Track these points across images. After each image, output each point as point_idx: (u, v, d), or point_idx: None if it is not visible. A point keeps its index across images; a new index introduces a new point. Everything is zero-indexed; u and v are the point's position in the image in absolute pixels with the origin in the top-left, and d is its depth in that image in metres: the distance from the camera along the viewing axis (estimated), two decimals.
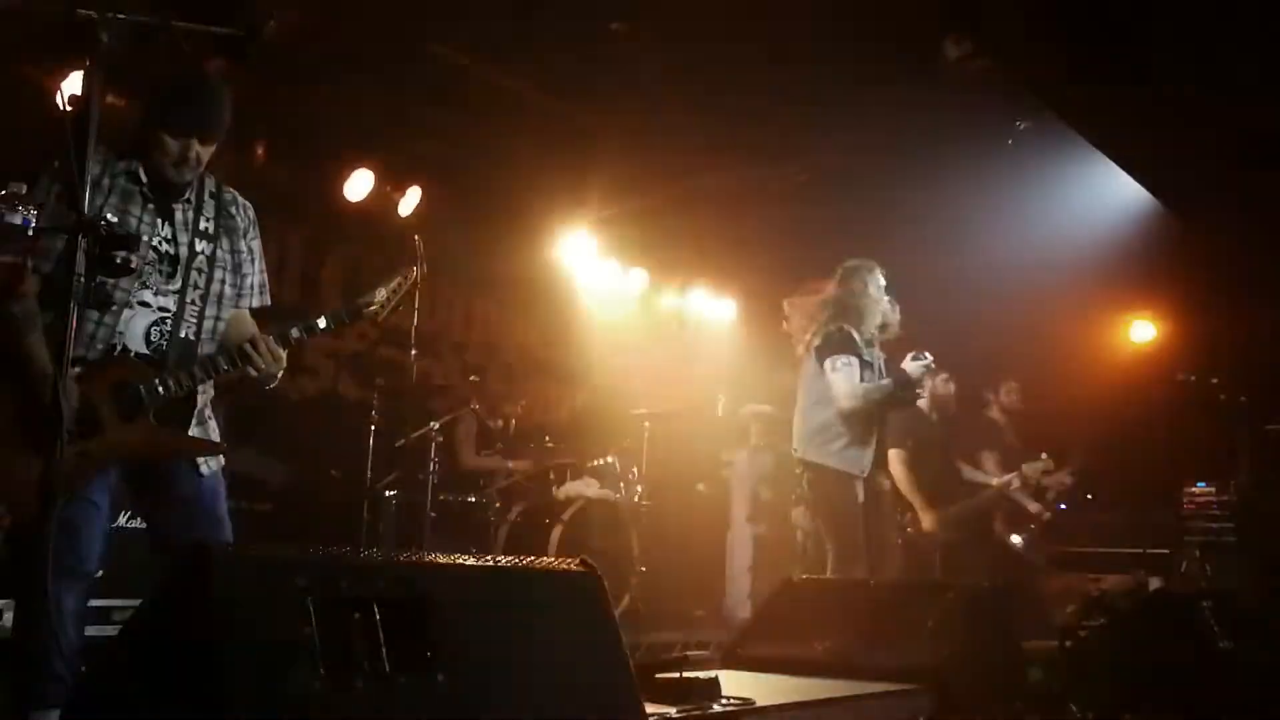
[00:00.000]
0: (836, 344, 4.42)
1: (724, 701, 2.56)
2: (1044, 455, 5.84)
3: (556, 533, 5.65)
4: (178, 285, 2.77)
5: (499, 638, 2.02)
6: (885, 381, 4.45)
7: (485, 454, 6.36)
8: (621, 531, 6.07)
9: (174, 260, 2.79)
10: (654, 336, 8.00)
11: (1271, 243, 6.31)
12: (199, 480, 2.83)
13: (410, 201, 6.47)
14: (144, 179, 2.77)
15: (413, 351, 5.65)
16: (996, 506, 6.12)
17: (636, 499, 6.41)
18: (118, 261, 2.37)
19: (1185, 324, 7.50)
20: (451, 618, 1.93)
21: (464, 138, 6.50)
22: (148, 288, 2.72)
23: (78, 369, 2.57)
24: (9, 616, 3.77)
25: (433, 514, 5.48)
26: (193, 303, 2.79)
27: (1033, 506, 6.27)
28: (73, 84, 4.48)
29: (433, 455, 5.59)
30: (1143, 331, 7.77)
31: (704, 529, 7.05)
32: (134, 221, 2.72)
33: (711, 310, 8.20)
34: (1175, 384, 6.45)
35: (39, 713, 2.50)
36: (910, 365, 4.38)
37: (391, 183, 6.39)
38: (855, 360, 4.38)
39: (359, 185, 6.25)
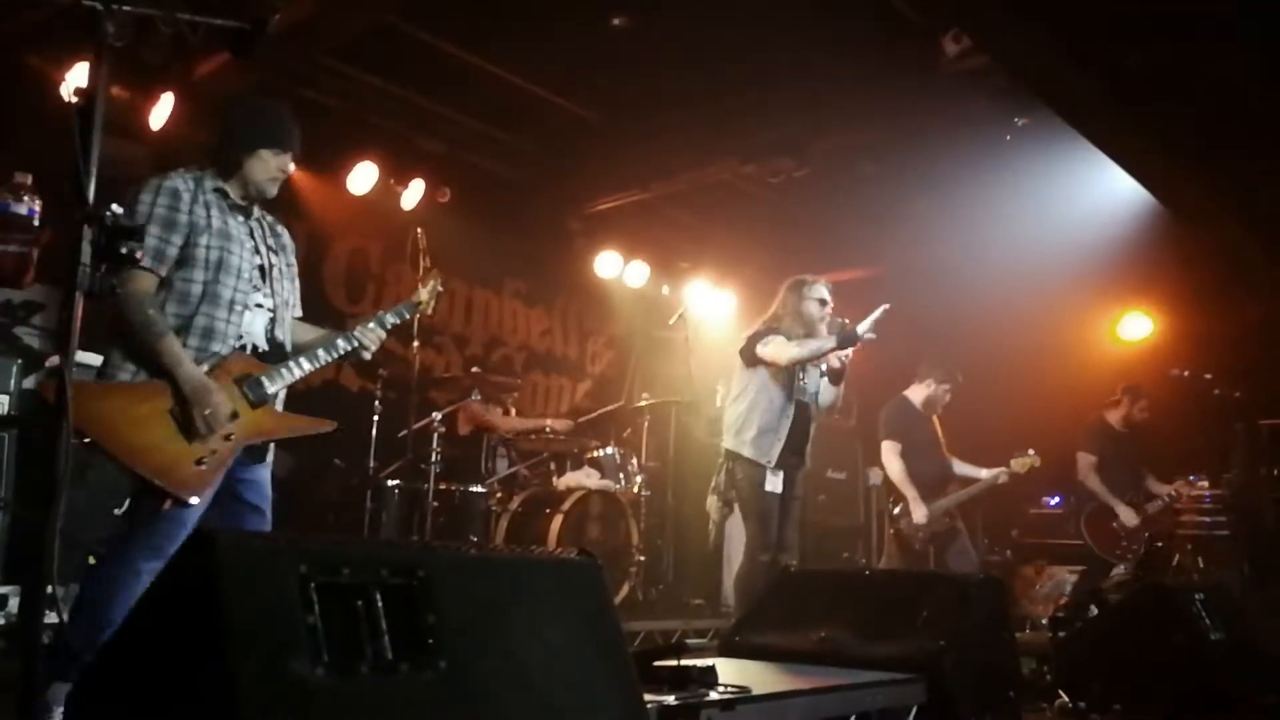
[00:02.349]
0: (760, 334, 4.88)
1: (721, 689, 2.59)
2: (1031, 451, 5.86)
3: (556, 522, 5.70)
4: (269, 293, 3.11)
5: (499, 625, 2.04)
6: (829, 337, 4.76)
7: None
8: (621, 521, 6.11)
9: (263, 270, 3.11)
10: (654, 328, 8.03)
11: (1266, 238, 6.34)
12: (265, 470, 3.13)
13: (413, 195, 6.50)
14: (230, 196, 3.07)
15: (414, 343, 5.69)
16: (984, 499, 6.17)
17: (636, 489, 6.45)
18: (123, 252, 2.41)
19: (1179, 320, 7.51)
20: (453, 605, 1.95)
21: (466, 131, 6.53)
22: (258, 290, 3.06)
23: (206, 366, 2.92)
24: (14, 602, 3.82)
25: (434, 503, 5.52)
26: (279, 308, 3.14)
27: (1124, 512, 6.30)
28: (78, 76, 4.51)
29: (435, 445, 5.63)
30: (1137, 327, 7.78)
31: (702, 519, 7.07)
32: (238, 231, 3.05)
33: (711, 302, 8.22)
34: (1169, 379, 6.48)
35: (59, 684, 2.59)
36: (863, 325, 4.66)
37: (394, 176, 6.42)
38: (779, 335, 4.80)
39: (362, 178, 6.29)
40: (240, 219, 3.09)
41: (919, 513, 5.59)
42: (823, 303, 4.94)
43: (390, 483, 5.67)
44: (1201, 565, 6.49)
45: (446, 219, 6.50)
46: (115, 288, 2.84)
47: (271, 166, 3.09)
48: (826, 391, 5.00)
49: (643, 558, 6.18)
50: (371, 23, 5.14)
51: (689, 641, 3.08)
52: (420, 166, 6.52)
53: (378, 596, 1.86)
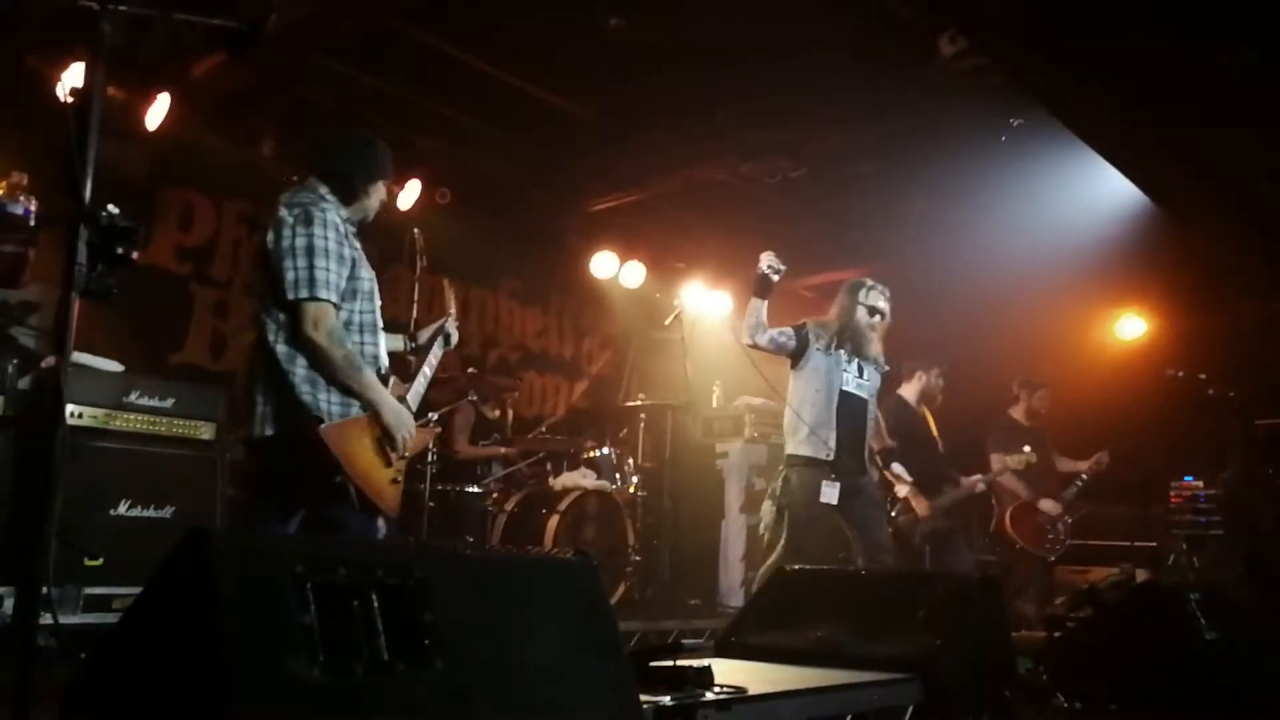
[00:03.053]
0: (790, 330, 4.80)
1: (717, 689, 2.59)
2: (1026, 448, 5.88)
3: (553, 523, 5.70)
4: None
5: (495, 626, 2.05)
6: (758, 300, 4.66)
7: (483, 444, 6.40)
8: (617, 522, 6.11)
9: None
10: (650, 328, 8.03)
11: (1259, 239, 6.34)
12: None
13: (410, 195, 6.49)
14: (354, 225, 3.26)
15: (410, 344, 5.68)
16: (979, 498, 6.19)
17: (632, 490, 6.46)
18: (119, 253, 2.41)
19: (1174, 320, 7.53)
20: (449, 605, 1.95)
21: (462, 131, 6.53)
22: (380, 314, 3.27)
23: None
24: (9, 603, 3.81)
25: (431, 504, 5.52)
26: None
27: (1046, 504, 6.31)
28: (74, 75, 4.51)
29: (431, 446, 5.62)
30: (1132, 327, 7.79)
31: (698, 519, 7.09)
32: (365, 258, 3.23)
33: (707, 303, 8.22)
34: (1164, 379, 6.49)
35: None
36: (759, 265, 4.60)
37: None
38: (790, 331, 4.76)
39: None
40: (359, 246, 3.27)
41: (921, 505, 5.57)
42: (872, 311, 4.83)
43: None
44: (1197, 565, 6.51)
45: (443, 218, 6.50)
46: (304, 326, 3.00)
47: (383, 194, 3.36)
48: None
49: (639, 558, 6.18)
50: (367, 22, 5.14)
51: (685, 641, 3.07)
52: (417, 166, 6.51)
53: (374, 596, 1.86)
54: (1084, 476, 6.32)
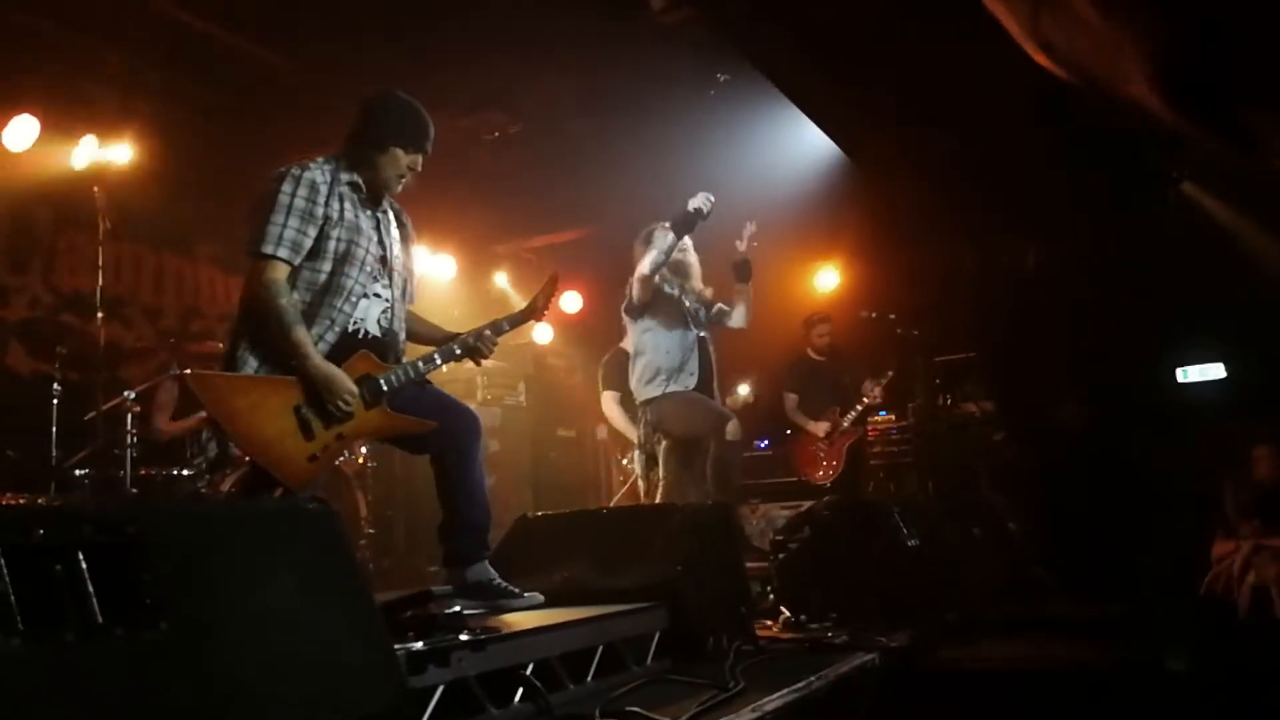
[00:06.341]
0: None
1: (469, 632, 2.55)
2: (743, 388, 6.30)
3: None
4: (388, 283, 3.20)
5: (227, 579, 1.90)
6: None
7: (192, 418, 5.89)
8: (347, 494, 5.88)
9: (384, 262, 3.19)
10: None
11: (936, 191, 7.05)
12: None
13: (85, 152, 5.80)
14: (362, 189, 3.15)
15: (98, 315, 5.17)
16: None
17: (360, 460, 6.22)
18: None
19: (864, 268, 8.21)
20: (172, 563, 1.80)
21: (146, 80, 5.93)
22: (377, 281, 3.15)
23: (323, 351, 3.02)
24: None
25: (134, 490, 5.03)
26: (397, 300, 3.24)
27: (814, 426, 6.81)
28: None
29: (129, 427, 5.12)
30: (828, 279, 8.36)
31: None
32: (365, 224, 3.14)
33: (429, 266, 8.03)
34: (859, 320, 7.13)
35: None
36: (692, 201, 4.87)
37: (61, 129, 5.72)
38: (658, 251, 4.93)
39: (21, 133, 5.53)
40: (369, 211, 3.17)
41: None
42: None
43: (79, 471, 5.09)
44: (893, 490, 7.19)
45: (127, 177, 5.87)
46: (251, 278, 2.97)
47: (401, 165, 3.17)
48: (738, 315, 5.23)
49: (372, 530, 5.99)
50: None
51: (434, 589, 3.02)
52: (93, 120, 5.83)
53: (80, 557, 1.68)
54: (860, 405, 6.82)
